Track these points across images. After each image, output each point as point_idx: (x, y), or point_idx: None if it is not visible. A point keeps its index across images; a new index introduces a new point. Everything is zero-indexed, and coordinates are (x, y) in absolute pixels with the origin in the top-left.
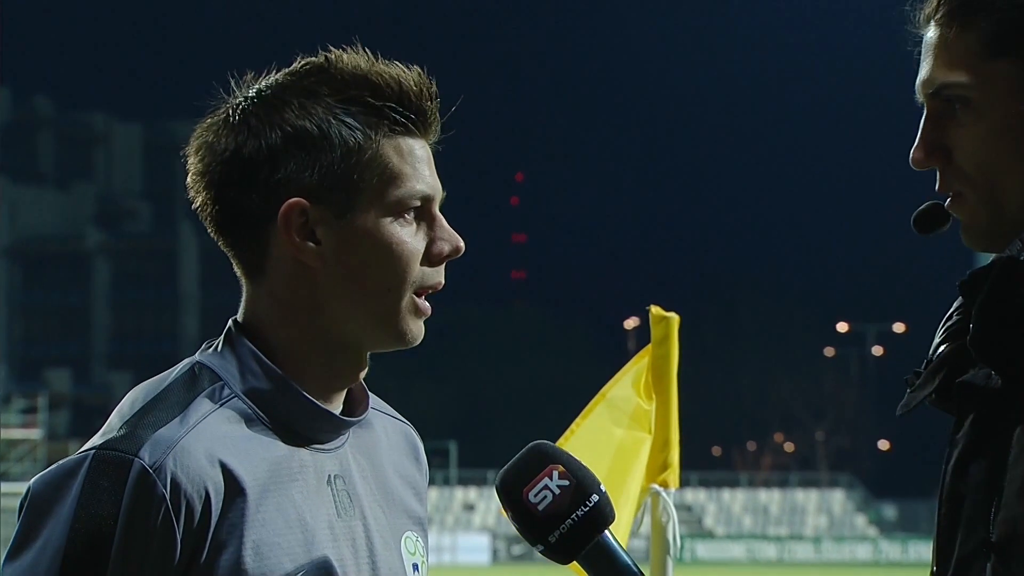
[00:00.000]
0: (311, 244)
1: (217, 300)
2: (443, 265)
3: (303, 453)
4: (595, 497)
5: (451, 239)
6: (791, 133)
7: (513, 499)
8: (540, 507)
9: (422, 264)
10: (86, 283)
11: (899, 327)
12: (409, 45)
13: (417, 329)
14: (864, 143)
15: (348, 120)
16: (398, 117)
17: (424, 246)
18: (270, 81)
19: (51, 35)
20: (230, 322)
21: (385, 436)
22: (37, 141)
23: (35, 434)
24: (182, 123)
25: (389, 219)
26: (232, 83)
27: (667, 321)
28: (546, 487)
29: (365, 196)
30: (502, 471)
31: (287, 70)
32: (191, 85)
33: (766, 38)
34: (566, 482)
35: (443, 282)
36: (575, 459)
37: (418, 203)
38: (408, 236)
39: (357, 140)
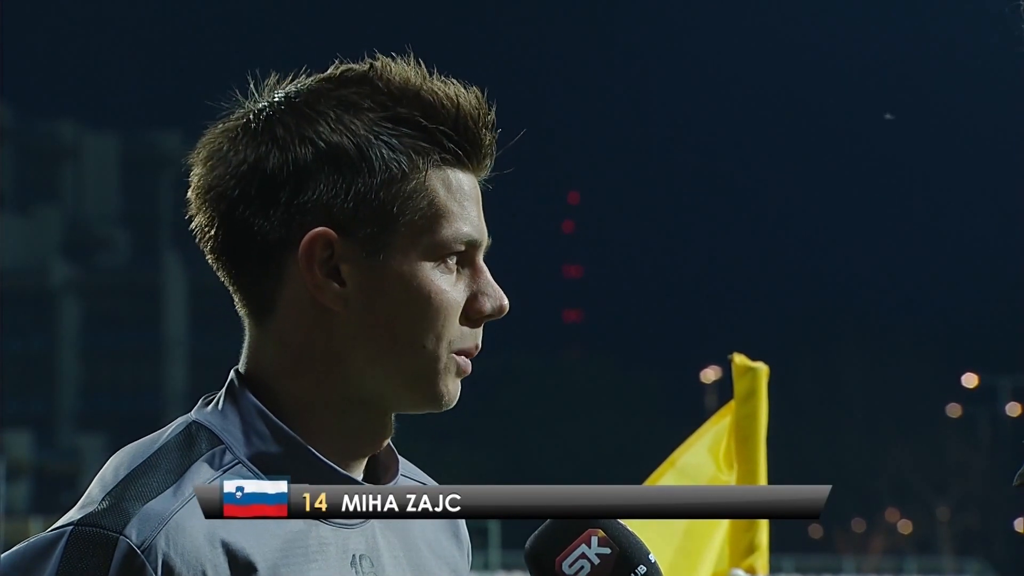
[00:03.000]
0: (335, 284)
1: (210, 347)
2: (481, 326)
3: (323, 528)
4: (643, 568)
5: (495, 296)
6: (900, 142)
7: (544, 570)
8: None
9: (461, 321)
10: (51, 327)
11: None
12: (439, 47)
13: (455, 390)
14: (996, 148)
15: (393, 142)
16: (451, 145)
17: (464, 300)
18: (301, 86)
19: (9, 30)
20: (232, 373)
21: None
22: None
23: None
24: (167, 134)
25: (429, 263)
26: (251, 85)
27: (753, 373)
28: (583, 555)
29: (403, 234)
30: (532, 537)
31: (322, 76)
32: (178, 88)
33: (868, 53)
34: (607, 550)
35: (480, 346)
36: (618, 523)
37: (462, 248)
38: (448, 285)
39: (401, 166)
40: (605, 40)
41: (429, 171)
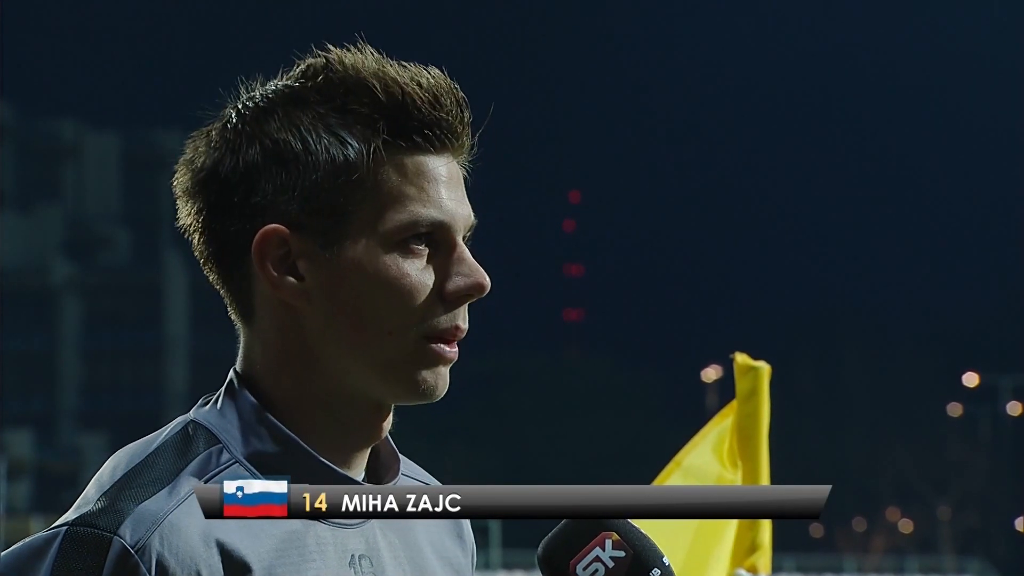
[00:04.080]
0: (291, 279)
1: (211, 346)
2: (464, 307)
3: (320, 528)
4: (657, 571)
5: (471, 273)
6: (901, 143)
7: (558, 573)
8: None
9: (433, 303)
10: (51, 326)
11: None
12: (441, 45)
13: (434, 379)
14: (997, 149)
15: (340, 133)
16: (401, 130)
17: (435, 282)
18: (267, 87)
19: (9, 30)
20: (231, 373)
21: None
22: None
23: None
24: (168, 133)
25: (387, 250)
26: (243, 88)
27: (755, 372)
28: (597, 559)
29: (355, 223)
30: (545, 539)
31: (288, 74)
32: (179, 87)
33: (869, 55)
34: (621, 553)
35: (464, 327)
36: (632, 525)
37: (423, 230)
38: (412, 269)
39: (347, 157)
40: (607, 39)
41: (378, 158)
